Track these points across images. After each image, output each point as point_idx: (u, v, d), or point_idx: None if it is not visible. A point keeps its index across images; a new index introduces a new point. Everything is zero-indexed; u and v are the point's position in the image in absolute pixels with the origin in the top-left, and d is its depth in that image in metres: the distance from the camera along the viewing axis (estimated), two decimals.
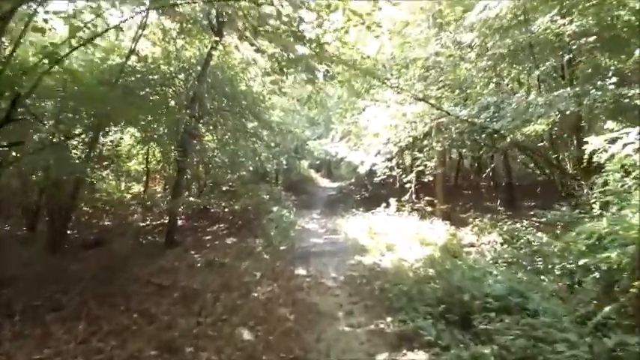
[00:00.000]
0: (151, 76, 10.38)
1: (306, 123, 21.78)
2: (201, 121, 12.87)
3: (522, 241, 8.46)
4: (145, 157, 14.33)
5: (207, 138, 14.44)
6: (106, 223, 12.90)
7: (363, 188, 19.46)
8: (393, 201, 12.54)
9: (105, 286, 6.64)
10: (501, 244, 8.53)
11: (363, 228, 11.59)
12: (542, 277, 6.33)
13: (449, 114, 8.93)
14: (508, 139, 7.93)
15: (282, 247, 10.40)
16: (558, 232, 7.64)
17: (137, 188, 16.07)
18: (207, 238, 11.26)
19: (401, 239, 9.93)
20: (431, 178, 12.29)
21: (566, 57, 8.82)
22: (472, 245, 9.02)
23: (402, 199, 12.61)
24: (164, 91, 11.02)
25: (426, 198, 13.28)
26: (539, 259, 6.97)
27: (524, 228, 9.27)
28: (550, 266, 6.86)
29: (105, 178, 13.23)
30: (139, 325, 5.19)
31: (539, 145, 10.74)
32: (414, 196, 12.57)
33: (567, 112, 7.61)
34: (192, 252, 9.37)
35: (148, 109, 9.19)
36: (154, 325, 5.22)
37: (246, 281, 7.30)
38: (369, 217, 12.90)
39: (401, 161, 13.39)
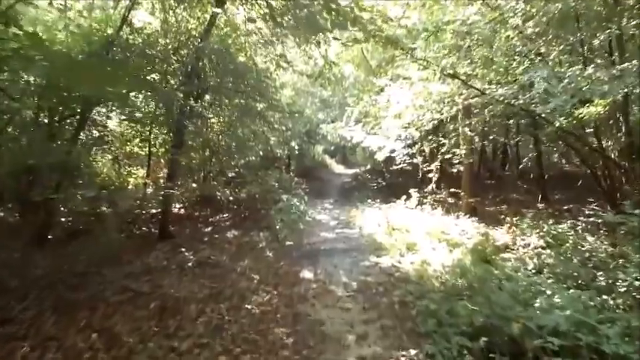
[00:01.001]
0: (147, 50, 9.26)
1: (319, 105, 20.45)
2: (203, 101, 11.77)
3: (568, 245, 7.18)
4: (147, 139, 13.30)
5: (213, 120, 13.36)
6: (103, 209, 11.98)
7: (380, 176, 18.18)
8: (413, 192, 11.25)
9: (73, 292, 5.59)
10: (543, 248, 7.22)
11: (380, 222, 10.37)
12: (605, 296, 5.05)
13: (483, 93, 7.58)
14: (557, 124, 6.55)
15: (288, 243, 9.29)
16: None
17: (142, 173, 15.12)
18: (207, 230, 10.20)
19: (423, 237, 8.71)
20: (457, 169, 10.96)
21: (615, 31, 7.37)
22: (507, 248, 7.73)
23: (424, 190, 11.29)
24: (159, 65, 9.88)
25: (450, 190, 11.97)
26: (599, 272, 5.68)
27: (568, 228, 7.92)
28: (611, 281, 5.60)
29: (100, 162, 12.24)
30: (95, 351, 4.11)
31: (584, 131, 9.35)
32: (434, 187, 11.24)
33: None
34: (186, 247, 8.30)
35: (135, 84, 8.07)
36: (113, 351, 4.13)
37: (240, 287, 6.19)
38: (387, 209, 11.65)
39: (423, 148, 12.03)
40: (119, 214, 10.02)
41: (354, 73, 15.49)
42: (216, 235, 9.53)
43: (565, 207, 11.69)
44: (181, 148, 9.47)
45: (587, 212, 11.46)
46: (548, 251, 7.14)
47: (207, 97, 11.65)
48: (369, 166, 23.65)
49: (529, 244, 7.56)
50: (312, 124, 19.44)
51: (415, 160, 12.05)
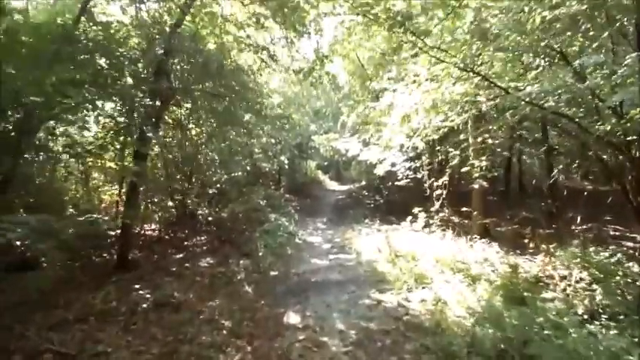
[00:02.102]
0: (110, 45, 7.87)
1: (311, 116, 19.13)
2: (180, 107, 10.38)
3: (618, 278, 5.77)
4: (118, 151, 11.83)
5: (193, 130, 11.98)
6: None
7: (377, 193, 16.77)
8: (419, 212, 9.81)
9: None
10: (589, 284, 5.78)
11: (381, 246, 8.93)
12: None
13: (507, 92, 6.22)
14: (608, 127, 5.17)
15: (272, 273, 7.84)
16: None
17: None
18: (179, 256, 8.67)
19: (433, 266, 7.26)
20: (468, 184, 9.56)
21: None
22: (540, 282, 6.27)
23: (431, 209, 9.86)
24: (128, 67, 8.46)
25: (459, 208, 10.55)
26: None
27: (609, 255, 6.51)
28: None
29: (64, 177, 10.73)
30: None
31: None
32: (442, 205, 9.81)
33: None
34: (147, 281, 6.80)
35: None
36: None
37: (203, 342, 4.68)
38: (387, 230, 10.22)
39: (429, 160, 10.64)
40: (80, 239, 8.43)
41: (349, 82, 14.21)
42: (188, 264, 8.00)
43: (583, 226, 10.34)
44: (145, 159, 8.01)
45: (615, 233, 10.15)
46: (594, 286, 5.73)
47: (187, 105, 10.27)
48: (363, 182, 22.23)
49: (568, 277, 6.12)
50: (304, 137, 18.06)
51: (418, 175, 10.66)
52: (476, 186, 9.01)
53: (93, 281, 6.74)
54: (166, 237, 10.17)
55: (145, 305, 5.73)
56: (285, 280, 7.45)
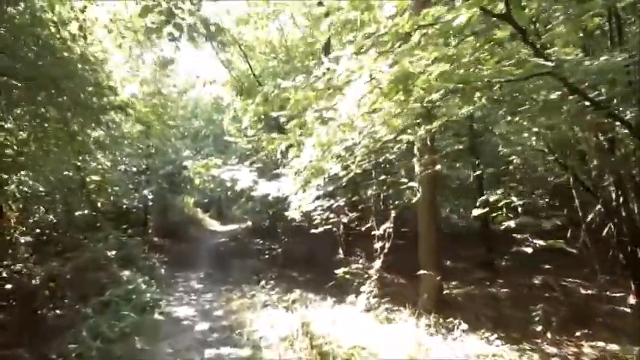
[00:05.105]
0: None
1: (188, 138, 15.39)
2: None
3: None
4: None
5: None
6: None
7: (271, 238, 13.52)
8: (345, 273, 6.73)
9: None
10: None
11: (295, 330, 5.63)
12: None
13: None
14: None
15: None
16: None
17: None
18: None
19: None
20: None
21: None
22: None
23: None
24: None
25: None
26: None
27: None
28: None
29: None
30: None
31: None
32: (379, 264, 6.84)
33: None
34: None
35: None
36: None
37: None
38: (296, 300, 6.95)
39: (350, 197, 7.77)
40: None
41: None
42: None
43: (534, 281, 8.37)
44: None
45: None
46: None
47: None
48: (249, 223, 18.67)
49: None
50: (177, 167, 14.09)
51: (344, 219, 7.72)
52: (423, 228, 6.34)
53: None
54: None
55: None
56: None
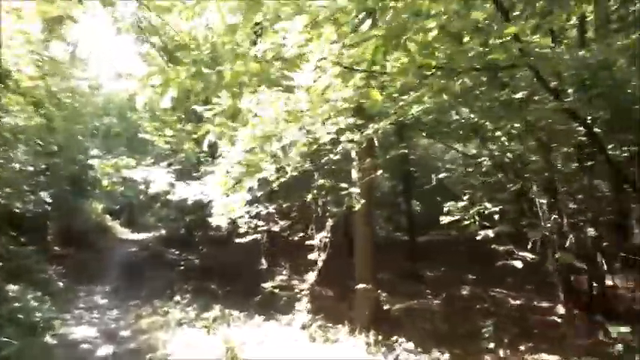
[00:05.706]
0: None
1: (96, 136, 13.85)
2: None
3: None
4: None
5: None
6: None
7: (187, 248, 12.48)
8: (273, 288, 6.10)
9: None
10: None
11: (215, 356, 4.90)
12: None
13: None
14: None
15: None
16: None
17: None
18: None
19: None
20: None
21: None
22: None
23: (302, 285, 6.29)
24: None
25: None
26: None
27: None
28: None
29: None
30: None
31: None
32: (314, 276, 6.33)
33: None
34: None
35: None
36: None
37: None
38: (218, 319, 6.20)
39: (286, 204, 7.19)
40: None
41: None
42: None
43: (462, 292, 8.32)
44: None
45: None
46: None
47: None
48: (163, 231, 17.33)
49: None
50: (83, 168, 12.53)
51: (276, 227, 7.11)
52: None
53: None
54: None
55: None
56: None
